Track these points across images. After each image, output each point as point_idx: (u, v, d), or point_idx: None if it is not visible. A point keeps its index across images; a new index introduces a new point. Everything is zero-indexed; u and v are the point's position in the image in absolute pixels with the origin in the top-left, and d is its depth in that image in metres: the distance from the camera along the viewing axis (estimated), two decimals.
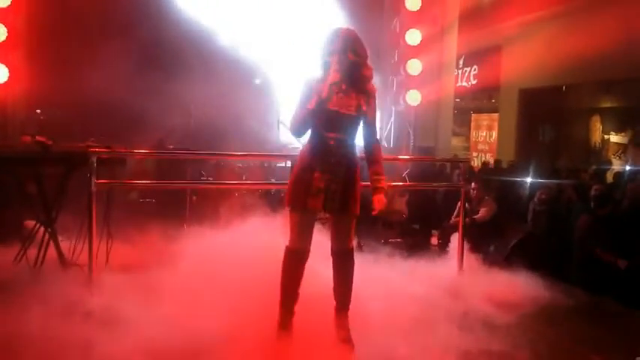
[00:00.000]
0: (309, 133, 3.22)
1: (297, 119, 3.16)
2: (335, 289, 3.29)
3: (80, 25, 8.41)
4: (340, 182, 3.17)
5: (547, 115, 14.64)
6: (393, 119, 10.48)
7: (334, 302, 3.30)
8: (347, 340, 3.22)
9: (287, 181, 3.44)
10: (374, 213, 3.22)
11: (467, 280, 4.63)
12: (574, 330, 3.92)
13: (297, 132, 3.19)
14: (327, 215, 3.34)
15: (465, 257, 5.00)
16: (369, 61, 3.25)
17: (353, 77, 3.17)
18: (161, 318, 3.50)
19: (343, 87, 3.15)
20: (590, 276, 5.06)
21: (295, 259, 3.23)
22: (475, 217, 6.22)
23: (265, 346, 3.15)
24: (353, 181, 3.24)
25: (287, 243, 3.27)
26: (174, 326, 3.40)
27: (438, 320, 3.70)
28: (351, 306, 3.32)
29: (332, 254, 3.31)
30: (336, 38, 3.18)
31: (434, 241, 6.29)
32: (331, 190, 3.15)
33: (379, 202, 3.21)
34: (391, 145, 10.50)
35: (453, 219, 6.30)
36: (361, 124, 3.24)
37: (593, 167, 11.64)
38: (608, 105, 13.66)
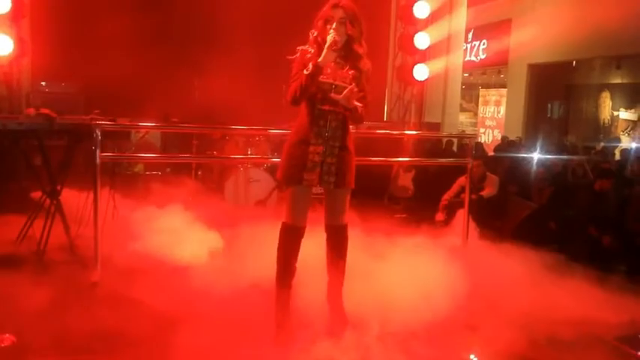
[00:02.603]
0: (303, 106, 3.15)
1: (294, 87, 3.08)
2: (328, 266, 3.25)
3: None
4: (335, 155, 3.14)
5: (556, 91, 14.52)
6: (399, 94, 10.36)
7: (327, 278, 3.26)
8: (341, 317, 3.20)
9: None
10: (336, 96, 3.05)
11: (471, 256, 4.61)
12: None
13: (295, 100, 3.10)
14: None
15: (470, 233, 4.98)
16: (363, 40, 3.20)
17: (347, 51, 3.13)
18: (166, 289, 3.53)
19: (338, 59, 3.11)
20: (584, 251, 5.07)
21: (291, 234, 3.19)
22: (482, 193, 6.19)
23: (261, 322, 3.16)
24: (348, 154, 3.20)
25: (284, 218, 3.23)
26: (179, 296, 3.43)
27: (441, 296, 3.66)
28: (352, 283, 3.29)
29: (325, 229, 3.27)
30: (336, 8, 3.11)
31: (439, 217, 6.26)
32: (327, 164, 3.12)
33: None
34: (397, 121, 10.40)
35: (449, 195, 6.27)
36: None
37: (602, 144, 11.57)
38: (618, 81, 13.50)
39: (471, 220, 5.06)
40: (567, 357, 3.23)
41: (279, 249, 3.21)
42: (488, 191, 6.26)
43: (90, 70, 8.16)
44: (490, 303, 3.72)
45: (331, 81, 3.07)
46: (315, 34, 3.14)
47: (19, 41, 7.74)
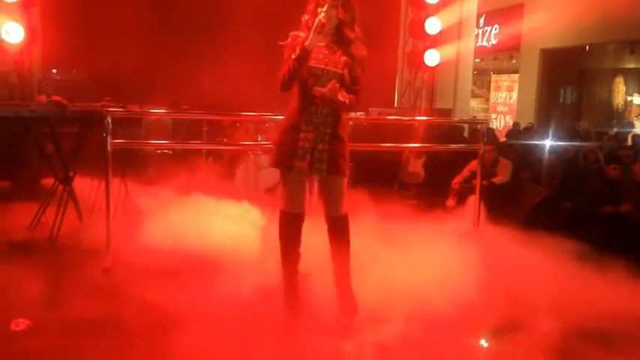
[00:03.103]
0: (295, 91, 3.11)
1: (282, 72, 3.02)
2: (332, 255, 3.21)
3: None
4: (327, 142, 3.09)
5: (569, 76, 14.36)
6: (410, 80, 10.29)
7: (332, 266, 3.23)
8: (351, 303, 3.19)
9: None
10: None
11: (483, 242, 4.59)
12: None
13: (284, 85, 3.02)
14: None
15: (482, 220, 4.96)
16: (357, 25, 3.14)
17: (339, 36, 3.08)
18: (177, 275, 3.55)
19: (330, 44, 3.08)
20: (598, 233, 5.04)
21: (290, 221, 3.16)
22: (493, 179, 6.15)
23: (270, 309, 3.18)
24: (340, 140, 3.14)
25: (281, 206, 3.22)
26: (190, 284, 3.45)
27: (453, 283, 3.64)
28: (363, 269, 3.29)
29: (326, 221, 3.22)
30: None
31: (450, 202, 6.24)
32: (318, 151, 3.07)
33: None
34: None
35: (460, 179, 6.24)
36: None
37: (615, 129, 11.46)
38: (632, 66, 13.34)
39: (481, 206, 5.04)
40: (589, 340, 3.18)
41: (280, 237, 3.20)
42: (500, 178, 6.21)
43: (100, 57, 8.20)
44: (507, 290, 3.67)
45: (322, 66, 3.04)
46: (307, 18, 3.08)
47: (30, 29, 7.76)
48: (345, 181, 3.21)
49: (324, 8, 2.99)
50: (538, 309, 3.40)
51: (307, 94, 3.06)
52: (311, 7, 3.08)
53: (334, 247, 3.20)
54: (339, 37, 3.09)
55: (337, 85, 2.97)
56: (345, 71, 3.07)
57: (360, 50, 3.14)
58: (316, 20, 2.95)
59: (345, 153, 3.17)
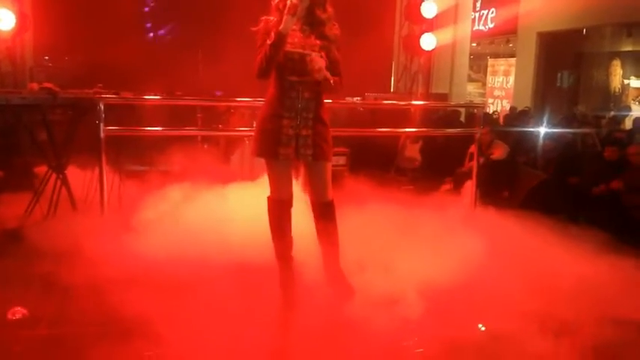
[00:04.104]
0: (273, 78, 3.04)
1: (259, 59, 2.93)
2: (321, 245, 3.17)
3: None
4: (310, 127, 3.04)
5: (566, 60, 14.28)
6: (406, 64, 10.23)
7: (320, 251, 3.18)
8: (346, 287, 3.15)
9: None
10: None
11: (480, 224, 4.57)
12: None
13: (262, 72, 2.95)
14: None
15: (478, 203, 4.95)
16: (328, 5, 3.07)
17: (311, 18, 3.00)
18: (173, 262, 3.52)
19: (303, 27, 3.01)
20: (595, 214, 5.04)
21: (278, 207, 3.15)
22: (491, 155, 6.14)
23: (268, 297, 3.16)
24: (323, 125, 3.10)
25: (268, 193, 3.20)
26: (185, 266, 3.43)
27: (452, 265, 3.62)
28: (359, 253, 3.28)
29: (312, 207, 3.18)
30: None
31: (446, 187, 6.22)
32: (302, 136, 3.02)
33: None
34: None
35: (466, 165, 6.22)
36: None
37: (612, 113, 11.42)
38: (629, 49, 13.25)
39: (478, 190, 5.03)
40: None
41: (270, 224, 3.18)
42: (496, 154, 6.20)
43: (93, 44, 8.13)
44: (506, 271, 3.65)
45: (300, 50, 2.97)
46: (277, 0, 3.01)
47: (21, 16, 7.68)
48: (330, 165, 3.17)
49: None
50: (545, 293, 3.38)
51: (286, 80, 3.00)
52: None
53: (322, 233, 3.16)
54: (311, 19, 3.01)
55: (322, 60, 2.91)
56: (323, 53, 3.01)
57: (333, 29, 3.08)
58: (288, 2, 2.88)
59: (328, 137, 3.12)
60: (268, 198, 3.20)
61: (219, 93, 8.23)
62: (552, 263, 3.82)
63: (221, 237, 3.79)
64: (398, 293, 3.22)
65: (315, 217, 3.18)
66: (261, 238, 3.35)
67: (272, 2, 3.05)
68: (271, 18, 3.01)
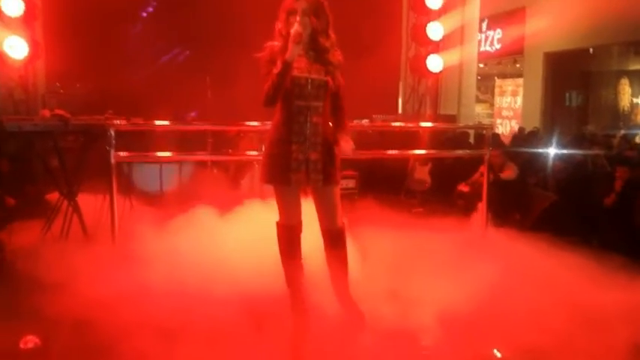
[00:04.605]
0: (280, 103, 3.03)
1: (266, 87, 2.92)
2: (331, 272, 3.14)
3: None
4: (319, 151, 3.03)
5: (574, 79, 14.29)
6: (413, 86, 10.25)
7: (329, 276, 3.15)
8: (356, 312, 3.12)
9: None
10: (341, 153, 3.03)
11: (492, 249, 4.53)
12: None
13: (270, 100, 2.95)
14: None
15: (490, 225, 4.91)
16: (331, 31, 3.09)
17: (314, 44, 3.02)
18: (182, 290, 3.50)
19: (310, 52, 3.02)
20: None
21: (288, 233, 3.13)
22: (501, 174, 6.12)
23: (278, 325, 3.11)
24: (331, 148, 3.09)
25: (277, 218, 3.17)
26: (195, 297, 3.40)
27: (460, 290, 3.57)
28: (373, 278, 3.26)
29: (322, 234, 3.14)
30: (298, 0, 2.97)
31: (457, 208, 6.20)
32: (312, 161, 3.02)
33: (347, 142, 3.00)
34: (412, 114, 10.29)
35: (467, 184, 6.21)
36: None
37: (622, 132, 11.37)
38: (637, 67, 13.26)
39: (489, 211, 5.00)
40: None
41: (280, 249, 3.16)
42: (507, 174, 6.18)
43: (104, 70, 8.22)
44: (521, 298, 3.58)
45: (306, 75, 2.98)
46: (280, 26, 3.03)
47: (33, 43, 7.79)
48: (339, 189, 3.16)
49: (297, 18, 2.94)
50: (561, 320, 3.28)
51: (294, 105, 3.00)
52: (283, 15, 3.02)
53: (332, 260, 3.13)
54: (315, 46, 3.04)
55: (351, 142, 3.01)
56: (329, 77, 3.04)
57: (336, 56, 3.09)
58: (292, 30, 2.89)
59: (337, 161, 3.12)
60: (277, 224, 3.18)
61: (193, 114, 8.33)
62: (568, 289, 3.74)
63: (231, 264, 3.76)
64: (410, 320, 3.19)
65: (325, 244, 3.15)
66: (271, 264, 3.32)
67: (275, 27, 3.07)
68: (275, 43, 3.03)
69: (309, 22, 2.96)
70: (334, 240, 3.12)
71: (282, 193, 3.10)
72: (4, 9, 7.49)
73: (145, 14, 8.71)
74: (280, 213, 3.15)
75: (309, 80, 2.99)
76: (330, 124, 3.14)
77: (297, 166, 3.00)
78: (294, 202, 3.12)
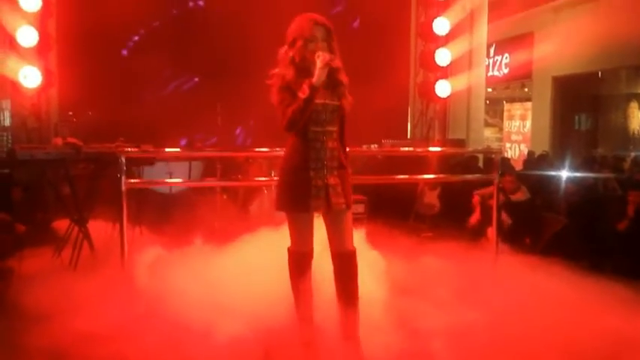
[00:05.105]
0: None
1: (290, 113, 2.90)
2: (340, 300, 3.08)
3: (109, 28, 8.50)
4: (336, 175, 3.04)
5: (583, 103, 14.28)
6: (422, 111, 10.29)
7: (339, 312, 3.07)
8: (358, 355, 3.01)
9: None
10: None
11: (503, 274, 4.48)
12: None
13: (294, 126, 2.94)
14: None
15: (500, 250, 4.87)
16: (338, 54, 3.09)
17: (331, 70, 3.02)
18: (188, 320, 3.46)
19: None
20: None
21: (299, 260, 3.11)
22: (511, 196, 6.09)
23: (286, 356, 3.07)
24: (347, 172, 3.12)
25: (289, 244, 3.15)
26: (204, 330, 3.37)
27: (472, 320, 3.51)
28: (378, 309, 3.19)
29: (333, 258, 3.10)
30: (318, 25, 3.00)
31: (467, 233, 6.16)
32: (332, 186, 3.01)
33: None
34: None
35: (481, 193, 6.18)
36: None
37: (632, 154, 11.31)
38: None
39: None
40: None
41: (290, 276, 3.13)
42: (517, 195, 6.16)
43: (115, 98, 8.34)
44: (534, 328, 3.47)
45: (322, 100, 2.99)
46: (291, 55, 3.00)
47: (47, 73, 7.94)
48: (351, 213, 3.14)
49: (319, 44, 2.97)
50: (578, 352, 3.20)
51: (310, 131, 3.00)
52: (300, 42, 2.99)
53: (342, 288, 3.07)
54: (329, 70, 3.02)
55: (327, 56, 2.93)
56: (342, 101, 3.07)
57: (344, 77, 3.10)
58: (320, 58, 2.90)
59: (350, 186, 3.12)
60: (289, 250, 3.16)
61: (183, 142, 8.41)
62: (581, 317, 3.62)
63: (240, 293, 3.71)
64: (418, 347, 3.13)
65: (335, 268, 3.10)
66: (281, 293, 3.28)
67: (284, 55, 3.04)
68: (286, 71, 2.99)
69: (327, 48, 3.00)
70: (345, 263, 3.07)
71: (296, 219, 3.07)
72: (19, 40, 7.66)
73: (157, 45, 8.84)
74: (292, 239, 3.13)
75: (324, 105, 3.00)
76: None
77: (317, 192, 2.99)
78: (307, 229, 3.09)
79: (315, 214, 3.09)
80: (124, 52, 8.97)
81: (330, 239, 3.11)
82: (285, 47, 3.06)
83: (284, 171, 3.09)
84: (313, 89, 2.88)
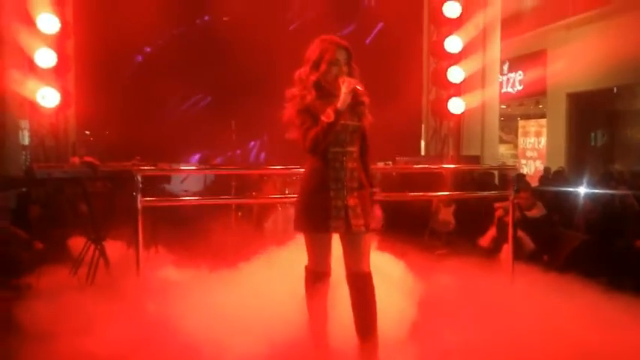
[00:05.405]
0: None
1: (314, 135, 2.89)
2: (356, 321, 3.01)
3: (125, 49, 8.66)
4: (356, 196, 3.01)
5: (598, 119, 14.18)
6: (435, 128, 10.30)
7: (357, 341, 3.00)
8: None
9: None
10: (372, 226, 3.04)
11: (520, 293, 4.42)
12: None
13: (317, 147, 2.93)
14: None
15: (516, 267, 4.81)
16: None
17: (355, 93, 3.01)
18: (204, 341, 3.45)
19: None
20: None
21: (316, 280, 3.07)
22: (527, 212, 6.04)
23: None
24: (368, 193, 3.09)
25: (307, 263, 3.12)
26: (216, 351, 3.34)
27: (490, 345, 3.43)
28: (393, 328, 3.14)
29: (348, 279, 3.04)
30: (341, 49, 3.01)
31: (482, 249, 6.11)
32: (351, 207, 2.98)
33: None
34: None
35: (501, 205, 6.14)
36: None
37: None
38: None
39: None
40: None
41: (307, 296, 3.10)
42: (533, 212, 6.11)
43: (131, 117, 8.46)
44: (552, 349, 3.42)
45: (342, 121, 2.96)
46: (314, 78, 2.99)
47: (65, 93, 8.08)
48: (370, 235, 3.11)
49: (343, 68, 2.98)
50: None
51: (330, 152, 2.99)
52: (323, 67, 2.98)
53: (360, 313, 3.00)
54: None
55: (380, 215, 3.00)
56: (363, 121, 3.08)
57: (366, 97, 3.10)
58: (346, 84, 2.90)
59: (371, 208, 3.10)
60: (306, 268, 3.13)
61: (195, 157, 8.47)
62: (600, 337, 3.55)
63: (252, 314, 3.67)
64: None
65: (351, 291, 3.03)
66: (294, 313, 3.25)
67: (304, 77, 3.03)
68: (306, 93, 2.98)
69: (348, 71, 3.01)
70: (360, 285, 3.01)
71: (315, 240, 3.05)
72: (37, 61, 7.81)
73: (172, 64, 8.97)
74: (310, 259, 3.10)
75: (345, 126, 2.98)
76: None
77: (337, 212, 2.96)
78: (325, 249, 3.06)
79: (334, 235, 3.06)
80: (141, 72, 9.09)
81: (346, 260, 3.06)
82: (306, 69, 3.04)
83: (303, 192, 3.08)
84: (338, 114, 2.88)
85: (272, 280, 3.92)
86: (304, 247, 3.17)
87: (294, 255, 3.82)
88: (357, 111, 3.05)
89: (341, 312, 3.15)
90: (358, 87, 2.99)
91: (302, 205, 3.06)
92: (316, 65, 3.00)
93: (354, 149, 3.06)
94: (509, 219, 4.99)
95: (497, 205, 6.23)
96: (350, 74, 3.02)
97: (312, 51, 3.05)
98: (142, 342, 3.41)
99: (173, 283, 4.29)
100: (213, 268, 4.49)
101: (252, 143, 9.70)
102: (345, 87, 2.91)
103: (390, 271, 4.04)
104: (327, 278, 3.10)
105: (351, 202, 2.99)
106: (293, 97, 3.02)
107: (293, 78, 3.09)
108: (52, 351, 3.28)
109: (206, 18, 9.81)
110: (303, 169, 3.19)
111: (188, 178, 6.78)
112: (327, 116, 2.87)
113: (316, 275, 3.09)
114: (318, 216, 2.97)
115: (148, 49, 9.29)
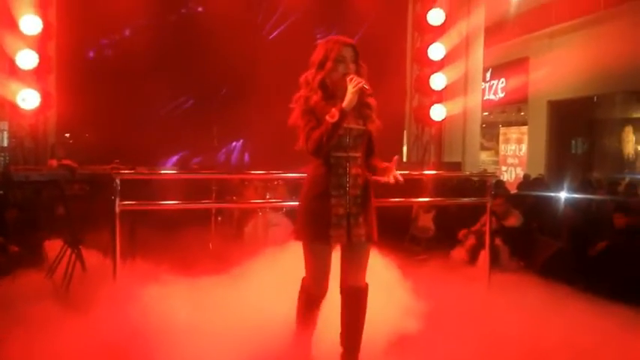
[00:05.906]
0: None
1: (317, 136, 2.76)
2: (343, 333, 2.95)
3: (108, 52, 8.61)
4: (360, 204, 2.88)
5: (578, 127, 14.40)
6: (417, 135, 10.36)
7: (340, 348, 2.96)
8: None
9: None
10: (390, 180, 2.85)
11: (496, 301, 4.46)
12: None
13: (320, 149, 2.78)
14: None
15: (493, 274, 4.86)
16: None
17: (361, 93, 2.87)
18: (184, 349, 3.43)
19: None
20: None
21: (311, 298, 2.95)
22: (504, 222, 6.10)
23: None
24: (372, 202, 2.96)
25: (305, 275, 2.98)
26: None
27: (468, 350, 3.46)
28: (375, 334, 3.12)
29: (342, 292, 2.95)
30: (347, 47, 2.90)
31: (460, 256, 6.16)
32: (353, 216, 2.85)
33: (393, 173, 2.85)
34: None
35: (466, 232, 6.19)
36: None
37: (627, 179, 11.35)
38: None
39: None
40: None
41: (298, 309, 2.99)
42: (511, 222, 6.16)
43: (112, 120, 8.40)
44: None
45: (346, 124, 2.83)
46: (320, 77, 2.87)
47: (45, 95, 7.99)
48: (371, 247, 2.98)
49: (350, 66, 2.87)
50: None
51: (332, 156, 2.86)
52: (328, 65, 2.86)
53: (348, 323, 2.93)
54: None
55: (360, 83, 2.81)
56: (369, 125, 2.96)
57: (372, 100, 2.99)
58: (352, 83, 2.79)
59: (374, 218, 2.96)
60: (303, 280, 2.99)
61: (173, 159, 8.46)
62: (579, 345, 3.59)
63: (233, 322, 3.65)
64: None
65: (343, 303, 2.95)
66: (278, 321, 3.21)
67: (310, 79, 2.91)
68: (312, 93, 2.87)
69: (355, 69, 2.89)
70: (354, 299, 2.92)
71: (314, 251, 2.89)
72: (18, 63, 7.73)
73: (154, 68, 8.94)
74: (307, 273, 2.95)
75: (349, 129, 2.86)
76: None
77: (338, 221, 2.83)
78: (324, 264, 2.91)
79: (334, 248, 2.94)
80: (122, 75, 9.02)
81: (343, 271, 2.97)
82: (312, 70, 2.93)
83: (304, 199, 2.95)
84: (343, 113, 2.76)
85: (253, 288, 3.91)
86: (290, 254, 3.13)
87: (276, 260, 3.83)
88: (362, 114, 2.93)
89: (326, 320, 3.09)
90: (366, 86, 2.84)
91: (303, 213, 2.93)
92: (322, 65, 2.89)
93: (358, 155, 2.93)
94: (487, 227, 5.04)
95: (465, 230, 6.30)
96: (358, 73, 2.90)
97: (317, 52, 2.95)
98: (115, 348, 3.37)
99: (150, 290, 4.25)
100: (192, 274, 4.47)
101: (235, 144, 9.65)
102: (352, 85, 2.78)
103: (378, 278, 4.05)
104: (322, 298, 2.96)
105: (354, 210, 2.87)
106: (298, 99, 2.91)
107: (299, 82, 2.97)
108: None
109: (186, 16, 9.77)
110: (304, 175, 3.08)
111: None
112: (332, 116, 2.75)
113: (311, 293, 2.95)
114: (318, 224, 2.83)
115: (132, 54, 9.21)
